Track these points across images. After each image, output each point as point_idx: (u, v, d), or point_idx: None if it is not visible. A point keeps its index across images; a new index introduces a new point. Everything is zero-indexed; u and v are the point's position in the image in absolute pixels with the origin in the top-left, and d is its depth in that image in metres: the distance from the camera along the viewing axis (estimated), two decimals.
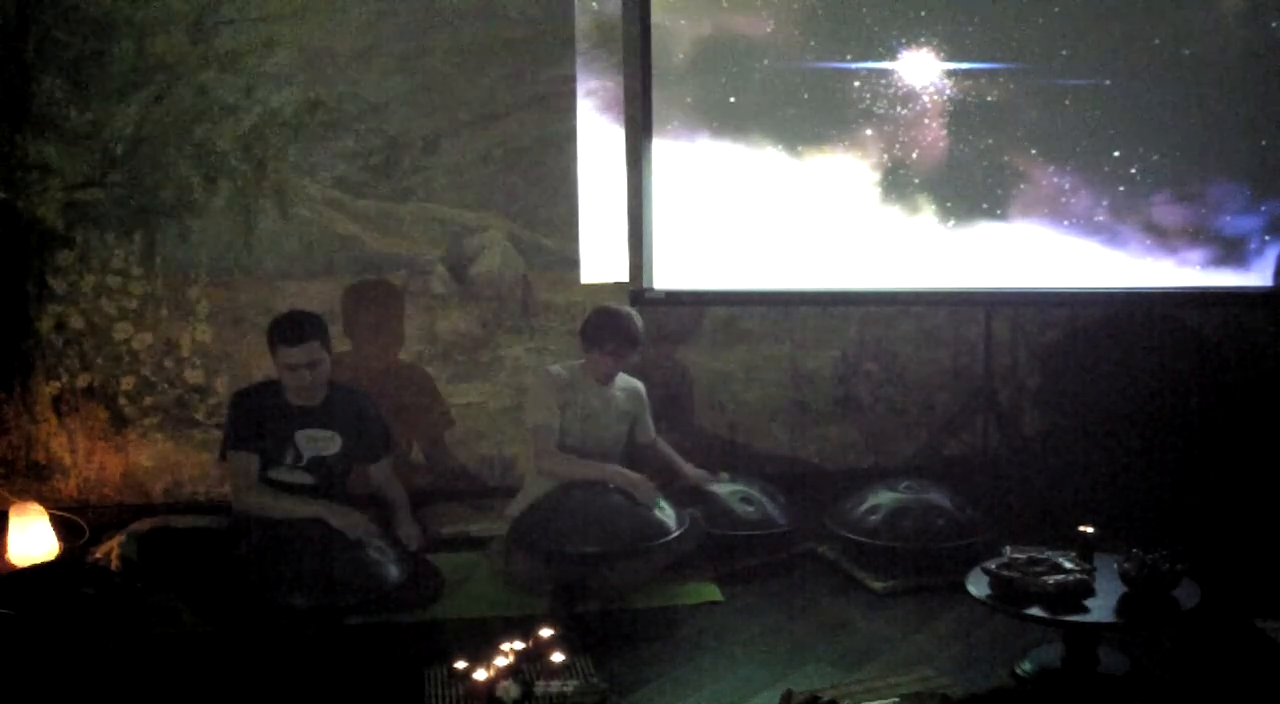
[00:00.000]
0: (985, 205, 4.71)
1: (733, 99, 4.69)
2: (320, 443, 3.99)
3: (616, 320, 4.24)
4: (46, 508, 4.49)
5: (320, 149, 4.82)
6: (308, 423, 3.97)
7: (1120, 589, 3.30)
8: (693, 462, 4.56)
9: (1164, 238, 4.72)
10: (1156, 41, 4.61)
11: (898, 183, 4.72)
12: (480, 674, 3.21)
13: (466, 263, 4.98)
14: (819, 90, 4.67)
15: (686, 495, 4.37)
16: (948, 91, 4.66)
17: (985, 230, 4.72)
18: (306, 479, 3.98)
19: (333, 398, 4.04)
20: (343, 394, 4.08)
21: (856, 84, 4.66)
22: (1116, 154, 4.66)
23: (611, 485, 4.10)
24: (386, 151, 4.87)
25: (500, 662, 3.29)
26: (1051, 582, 3.26)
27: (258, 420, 3.95)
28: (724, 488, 4.44)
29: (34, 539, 4.37)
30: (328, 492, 4.00)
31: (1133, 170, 4.67)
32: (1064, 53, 4.62)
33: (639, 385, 4.46)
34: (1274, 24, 4.60)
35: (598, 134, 4.97)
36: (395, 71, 4.83)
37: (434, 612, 3.83)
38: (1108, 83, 4.63)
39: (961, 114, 4.67)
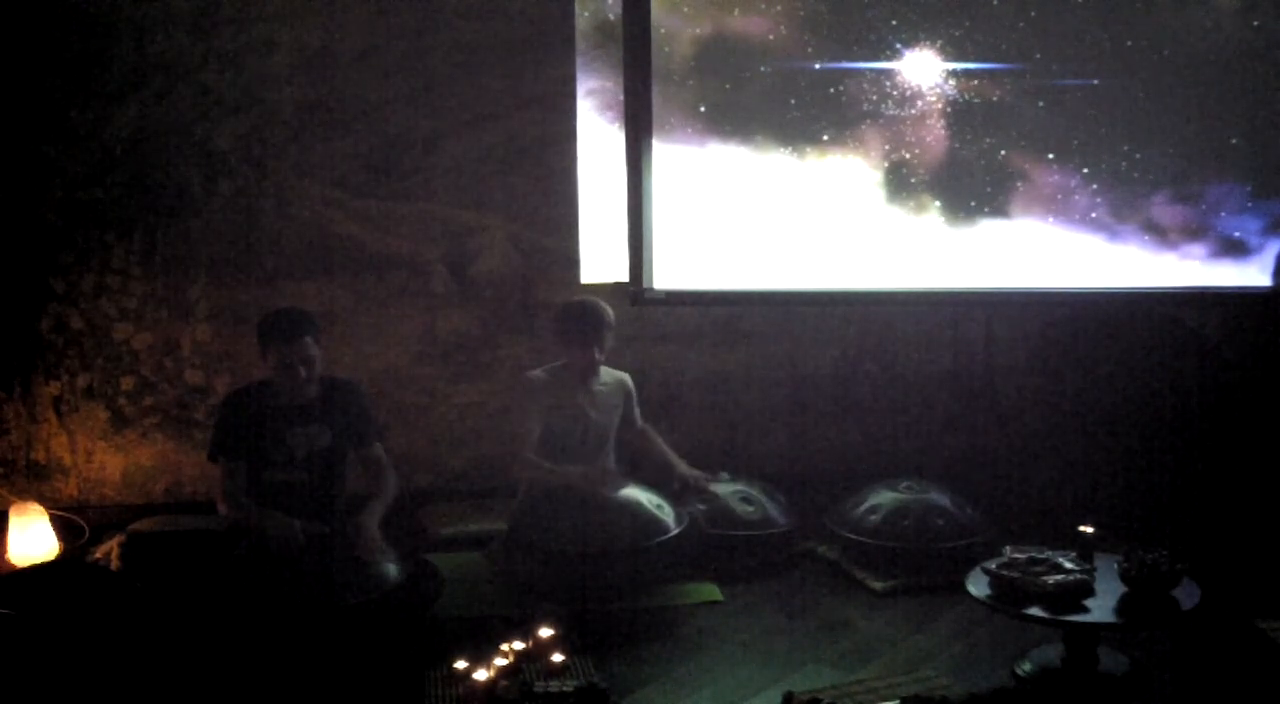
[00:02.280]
0: (985, 205, 4.71)
1: (733, 99, 4.69)
2: (312, 438, 3.98)
3: (581, 311, 4.24)
4: (46, 508, 4.50)
5: (320, 149, 4.82)
6: (301, 420, 3.95)
7: (1120, 589, 3.30)
8: (693, 462, 4.55)
9: (1164, 237, 4.72)
10: (1154, 41, 4.61)
11: (898, 183, 4.71)
12: (480, 674, 3.22)
13: (466, 263, 4.98)
14: (819, 90, 4.67)
15: (687, 495, 4.37)
16: (948, 91, 4.66)
17: (985, 230, 4.72)
18: (300, 477, 3.96)
19: (322, 390, 4.02)
20: (331, 385, 4.06)
21: (857, 84, 4.66)
22: (1115, 154, 4.66)
23: (598, 489, 4.08)
24: (386, 151, 4.86)
25: (500, 662, 3.29)
26: (1051, 582, 3.26)
27: (248, 425, 3.91)
28: (724, 488, 4.44)
29: (34, 539, 4.37)
30: (324, 488, 3.99)
31: (1132, 170, 4.67)
32: (1064, 53, 4.62)
33: (624, 376, 4.46)
34: (1256, 23, 4.59)
35: (598, 134, 4.97)
36: (395, 71, 4.82)
37: (434, 612, 3.83)
38: (1106, 83, 4.63)
39: (961, 114, 4.67)
